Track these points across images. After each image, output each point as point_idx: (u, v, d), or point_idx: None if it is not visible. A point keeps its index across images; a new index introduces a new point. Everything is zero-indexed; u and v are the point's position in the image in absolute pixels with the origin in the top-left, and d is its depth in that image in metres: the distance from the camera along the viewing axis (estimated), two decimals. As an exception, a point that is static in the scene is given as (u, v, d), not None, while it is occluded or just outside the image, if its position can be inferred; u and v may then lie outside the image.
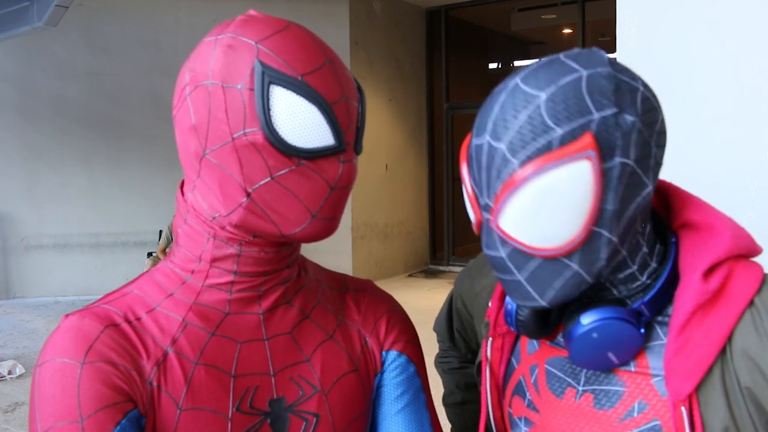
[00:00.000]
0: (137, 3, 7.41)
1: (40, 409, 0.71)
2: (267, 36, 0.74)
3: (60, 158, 7.45)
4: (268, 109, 0.72)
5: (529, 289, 0.72)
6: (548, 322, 0.81)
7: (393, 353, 0.91)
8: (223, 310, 0.80)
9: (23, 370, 4.89)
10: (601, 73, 0.68)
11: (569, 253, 0.69)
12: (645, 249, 0.76)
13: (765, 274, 0.74)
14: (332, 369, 0.85)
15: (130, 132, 7.51)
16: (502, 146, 0.68)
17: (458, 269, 8.87)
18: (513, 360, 0.88)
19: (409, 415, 0.88)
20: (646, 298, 0.75)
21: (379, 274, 8.33)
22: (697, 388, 0.71)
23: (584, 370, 0.80)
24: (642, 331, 0.74)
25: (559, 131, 0.66)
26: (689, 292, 0.72)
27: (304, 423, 0.81)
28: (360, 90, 0.79)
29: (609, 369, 0.77)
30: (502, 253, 0.72)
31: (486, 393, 0.89)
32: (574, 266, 0.70)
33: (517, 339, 0.89)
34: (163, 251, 6.69)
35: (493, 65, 10.13)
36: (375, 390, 0.90)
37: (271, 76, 0.71)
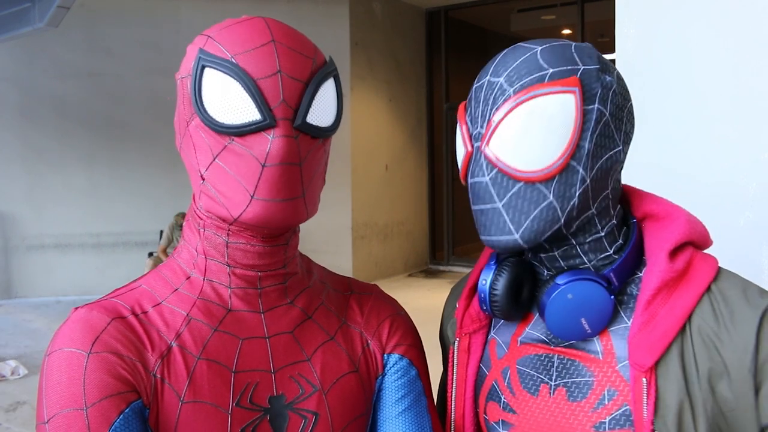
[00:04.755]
0: (138, 4, 7.42)
1: (47, 396, 0.72)
2: (223, 28, 0.78)
3: (61, 158, 7.45)
4: (199, 90, 0.75)
5: (506, 218, 0.77)
6: (520, 302, 0.84)
7: (395, 356, 0.91)
8: (225, 306, 0.82)
9: (26, 371, 4.89)
10: (588, 45, 0.81)
11: (547, 180, 0.76)
12: (614, 221, 0.82)
13: (719, 266, 0.80)
14: (332, 369, 0.86)
15: (130, 132, 7.52)
16: (500, 79, 0.77)
17: (458, 269, 8.87)
18: (483, 367, 0.90)
19: (409, 419, 0.89)
20: (614, 265, 0.81)
21: (379, 274, 8.33)
22: (657, 363, 0.75)
23: (555, 365, 0.83)
24: (612, 297, 0.79)
25: (550, 70, 0.76)
26: (655, 269, 0.78)
27: (303, 420, 0.82)
28: (318, 74, 0.77)
29: (582, 339, 0.81)
30: (487, 177, 0.77)
31: (451, 397, 0.91)
32: (550, 196, 0.76)
33: (485, 344, 0.90)
34: (164, 251, 6.69)
35: (493, 65, 10.13)
36: (376, 393, 0.90)
37: (204, 60, 0.75)
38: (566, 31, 9.18)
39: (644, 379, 0.75)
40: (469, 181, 0.79)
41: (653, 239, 0.82)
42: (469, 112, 0.80)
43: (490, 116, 0.77)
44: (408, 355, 0.92)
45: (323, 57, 0.81)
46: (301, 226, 0.84)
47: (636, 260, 0.83)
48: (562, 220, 0.77)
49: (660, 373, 0.75)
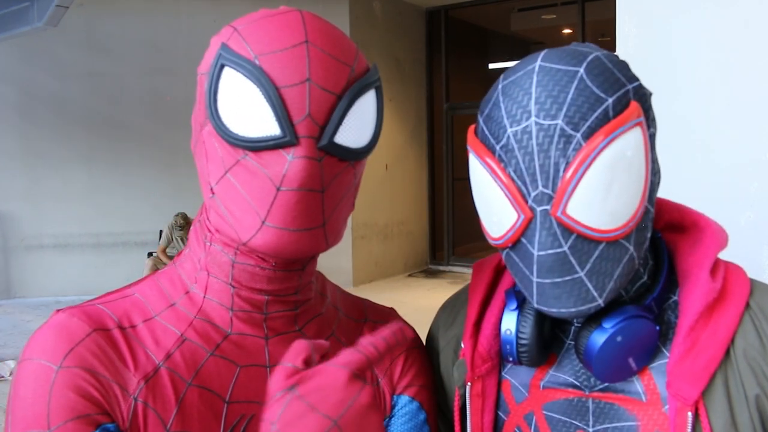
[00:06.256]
0: (138, 3, 7.41)
1: (12, 412, 0.67)
2: (253, 20, 0.68)
3: (60, 158, 7.45)
4: (215, 92, 0.66)
5: (590, 286, 0.66)
6: (545, 345, 0.77)
7: (405, 398, 0.83)
8: (225, 329, 0.74)
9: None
10: (611, 53, 0.69)
11: (630, 233, 0.67)
12: (647, 243, 0.72)
13: (749, 277, 0.74)
14: None
15: (130, 132, 7.51)
16: (558, 123, 0.63)
17: (458, 269, 8.88)
18: (500, 413, 0.82)
19: None
20: (655, 293, 0.73)
21: (379, 274, 8.33)
22: (702, 393, 0.68)
23: (590, 410, 0.76)
24: (658, 328, 0.72)
25: (609, 100, 0.64)
26: (697, 291, 0.71)
27: None
28: (355, 85, 0.68)
29: (628, 378, 0.73)
30: (565, 247, 0.65)
31: None
32: (631, 248, 0.67)
33: (499, 386, 0.82)
34: (164, 251, 6.69)
35: (493, 65, 10.12)
36: None
37: (224, 58, 0.65)
38: (566, 31, 9.18)
39: (690, 413, 0.67)
40: (537, 254, 0.66)
41: (686, 255, 0.74)
42: (513, 165, 0.65)
43: (558, 173, 0.64)
44: (419, 397, 0.84)
45: (365, 64, 0.71)
46: None
47: (667, 281, 0.75)
48: (636, 268, 0.69)
49: (707, 404, 0.68)
